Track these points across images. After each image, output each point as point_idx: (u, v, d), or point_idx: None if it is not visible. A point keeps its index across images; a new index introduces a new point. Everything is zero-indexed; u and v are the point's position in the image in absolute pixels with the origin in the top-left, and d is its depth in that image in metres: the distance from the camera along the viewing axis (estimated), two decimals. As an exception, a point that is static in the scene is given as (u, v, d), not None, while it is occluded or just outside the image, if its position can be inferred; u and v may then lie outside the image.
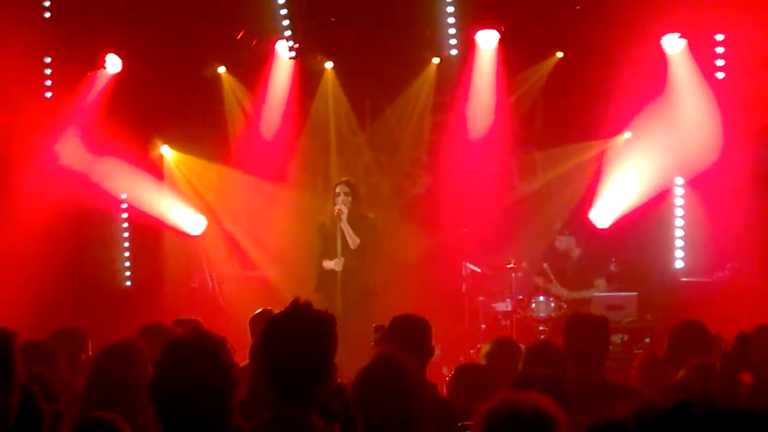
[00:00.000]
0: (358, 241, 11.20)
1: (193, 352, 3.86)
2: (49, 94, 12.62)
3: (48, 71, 12.63)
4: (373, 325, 6.12)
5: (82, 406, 4.56)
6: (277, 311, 7.73)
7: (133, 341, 4.99)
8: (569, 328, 6.08)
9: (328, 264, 11.31)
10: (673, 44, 12.08)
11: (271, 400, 3.60)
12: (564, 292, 11.52)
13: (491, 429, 3.10)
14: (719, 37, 11.99)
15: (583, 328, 6.00)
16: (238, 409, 3.96)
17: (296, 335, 3.61)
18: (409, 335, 5.65)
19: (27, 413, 3.13)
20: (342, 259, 11.26)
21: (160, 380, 3.82)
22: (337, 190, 11.37)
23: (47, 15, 12.38)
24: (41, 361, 5.84)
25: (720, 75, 12.00)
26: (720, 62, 12.01)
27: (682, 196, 12.48)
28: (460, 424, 4.39)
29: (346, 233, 11.19)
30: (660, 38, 12.06)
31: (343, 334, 3.75)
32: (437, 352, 10.13)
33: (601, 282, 11.62)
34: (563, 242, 11.92)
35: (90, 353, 7.62)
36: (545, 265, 11.80)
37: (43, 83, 12.58)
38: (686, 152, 11.93)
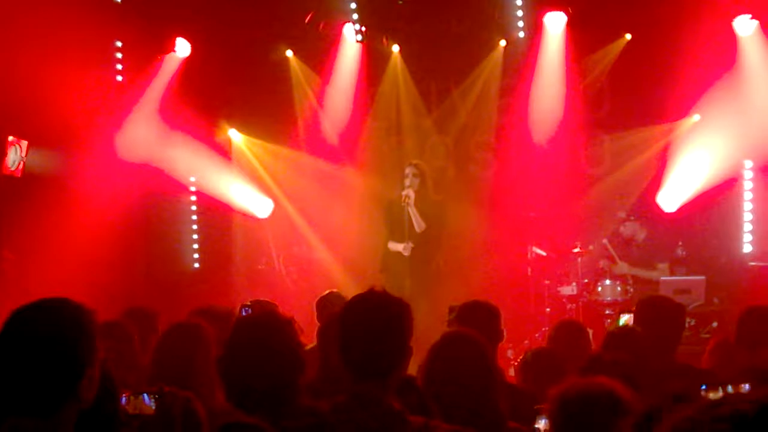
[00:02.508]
0: (424, 225, 11.22)
1: (262, 330, 3.96)
2: (120, 78, 12.77)
3: (119, 55, 12.78)
4: (449, 306, 6.15)
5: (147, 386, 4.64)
6: (343, 293, 7.83)
7: (197, 322, 5.05)
8: (644, 310, 6.06)
9: (396, 247, 11.34)
10: (745, 25, 11.90)
11: (348, 381, 3.64)
12: (624, 266, 11.45)
13: (564, 411, 3.16)
14: (793, 19, 11.81)
15: (659, 311, 5.97)
16: (307, 390, 4.03)
17: (374, 317, 3.65)
18: (478, 319, 5.67)
19: (103, 391, 3.19)
20: (411, 244, 11.30)
21: (230, 358, 3.90)
22: (406, 171, 11.39)
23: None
24: (114, 340, 5.94)
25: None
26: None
27: (751, 180, 12.32)
28: (535, 407, 4.43)
29: (413, 217, 11.21)
30: (731, 19, 11.89)
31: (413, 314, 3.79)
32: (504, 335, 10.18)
33: (663, 266, 11.53)
34: (628, 228, 11.85)
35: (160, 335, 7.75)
36: (605, 241, 11.71)
37: (114, 67, 12.72)
38: (756, 135, 11.76)
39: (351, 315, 3.73)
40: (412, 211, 11.20)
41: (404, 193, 11.19)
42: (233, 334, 4.07)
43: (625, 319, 6.96)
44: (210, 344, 4.67)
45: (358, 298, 3.77)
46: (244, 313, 6.57)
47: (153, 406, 3.43)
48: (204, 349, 4.67)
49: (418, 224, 11.23)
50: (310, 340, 6.13)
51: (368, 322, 3.65)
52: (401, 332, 3.66)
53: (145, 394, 3.43)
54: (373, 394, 3.56)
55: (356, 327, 3.67)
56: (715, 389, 3.59)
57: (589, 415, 3.13)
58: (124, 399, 3.40)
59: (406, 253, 11.26)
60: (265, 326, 4.03)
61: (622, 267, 11.49)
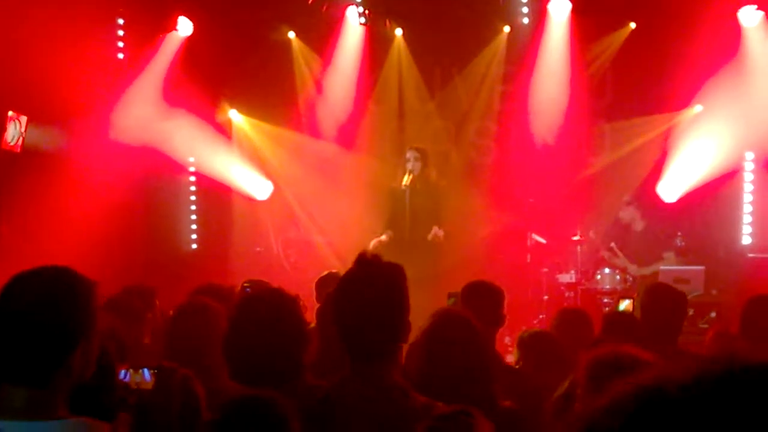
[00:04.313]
0: (442, 233, 11.25)
1: (267, 308, 3.92)
2: (121, 56, 12.72)
3: (121, 32, 12.73)
4: (448, 292, 6.11)
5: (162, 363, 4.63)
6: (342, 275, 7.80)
7: (205, 301, 5.03)
8: (648, 297, 6.04)
9: (376, 242, 11.30)
10: (750, 16, 11.88)
11: (348, 359, 3.58)
12: (633, 269, 11.43)
13: (595, 372, 3.18)
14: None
15: (662, 299, 5.96)
16: (309, 369, 4.00)
17: (368, 292, 3.53)
18: (481, 301, 5.65)
19: (101, 366, 3.16)
20: (390, 231, 11.35)
21: (234, 336, 3.88)
22: (408, 155, 11.38)
23: (121, -23, 12.51)
24: (118, 315, 5.92)
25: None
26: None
27: (752, 171, 12.30)
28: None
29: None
30: (736, 10, 11.87)
31: (411, 301, 3.70)
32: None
33: (670, 255, 11.50)
34: (627, 213, 11.80)
35: (157, 312, 7.72)
36: (612, 244, 11.69)
37: (116, 44, 12.68)
38: (758, 127, 11.74)
39: (344, 291, 3.62)
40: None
41: (406, 177, 11.19)
42: (239, 311, 4.05)
43: (625, 304, 6.94)
44: (221, 323, 4.66)
45: (351, 274, 3.64)
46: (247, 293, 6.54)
47: (152, 381, 3.40)
48: (217, 328, 4.66)
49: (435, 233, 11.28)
50: (310, 320, 6.11)
51: (362, 297, 3.53)
52: (398, 304, 3.55)
53: (145, 369, 3.41)
54: (372, 371, 3.51)
55: (351, 303, 3.56)
56: None
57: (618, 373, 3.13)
58: (124, 373, 3.38)
59: (385, 238, 11.27)
60: (272, 303, 4.01)
61: (631, 269, 11.44)
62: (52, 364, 2.74)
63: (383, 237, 11.41)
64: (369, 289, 3.54)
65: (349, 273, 3.65)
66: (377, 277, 3.57)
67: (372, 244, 11.31)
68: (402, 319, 3.56)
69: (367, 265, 3.59)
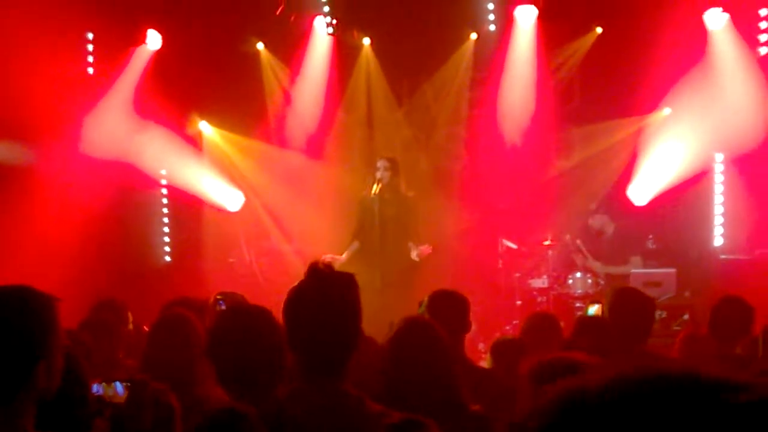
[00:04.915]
0: (430, 250, 11.32)
1: (245, 318, 3.97)
2: (90, 70, 12.70)
3: (90, 47, 12.71)
4: (419, 301, 6.14)
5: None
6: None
7: (182, 313, 5.05)
8: (615, 301, 6.09)
9: (340, 258, 11.32)
10: (716, 19, 11.96)
11: (301, 370, 3.57)
12: (598, 266, 11.50)
13: (535, 377, 3.22)
14: (763, 11, 11.88)
15: (630, 303, 6.00)
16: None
17: (320, 302, 3.49)
18: (446, 309, 5.68)
19: (72, 380, 3.18)
20: (357, 243, 11.51)
21: (217, 345, 3.91)
22: (378, 165, 11.41)
23: (89, -10, 12.48)
24: (92, 333, 5.94)
25: (763, 51, 11.90)
26: (763, 37, 11.91)
27: (722, 173, 12.39)
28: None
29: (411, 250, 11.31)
30: (702, 13, 11.95)
31: (381, 308, 3.72)
32: (473, 327, 10.19)
33: (636, 259, 11.57)
34: (597, 220, 11.88)
35: (130, 326, 7.72)
36: (578, 242, 11.76)
37: (85, 59, 12.66)
38: (726, 128, 11.81)
39: (293, 304, 3.57)
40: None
41: (376, 184, 11.23)
42: (219, 322, 4.09)
43: (595, 309, 6.99)
44: (199, 334, 4.68)
45: (300, 285, 3.58)
46: (220, 305, 6.56)
47: (124, 394, 3.42)
48: (194, 339, 4.68)
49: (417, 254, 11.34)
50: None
51: (314, 314, 3.49)
52: (351, 317, 3.53)
53: (118, 383, 3.42)
54: (325, 383, 3.51)
55: (302, 319, 3.53)
56: None
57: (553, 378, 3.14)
58: (96, 387, 3.40)
59: (344, 257, 11.31)
60: (249, 312, 4.07)
61: (595, 266, 11.52)
62: (15, 382, 2.76)
63: (352, 247, 11.46)
64: (320, 300, 3.50)
65: (301, 284, 3.61)
66: (328, 287, 3.53)
67: (344, 255, 11.36)
68: (354, 329, 3.55)
69: (318, 275, 3.56)
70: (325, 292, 3.52)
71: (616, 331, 5.78)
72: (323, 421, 3.43)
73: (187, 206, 13.22)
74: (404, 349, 4.27)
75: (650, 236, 11.91)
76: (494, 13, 12.91)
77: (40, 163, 11.85)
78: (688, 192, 12.21)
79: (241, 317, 4.04)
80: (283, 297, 7.96)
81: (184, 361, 4.57)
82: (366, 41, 13.17)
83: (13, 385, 2.75)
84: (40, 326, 2.82)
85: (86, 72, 12.66)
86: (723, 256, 12.05)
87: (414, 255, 11.30)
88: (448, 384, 4.22)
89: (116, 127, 12.42)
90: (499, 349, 6.02)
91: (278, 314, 4.17)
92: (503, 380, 5.28)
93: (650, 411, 1.09)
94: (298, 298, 3.58)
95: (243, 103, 13.05)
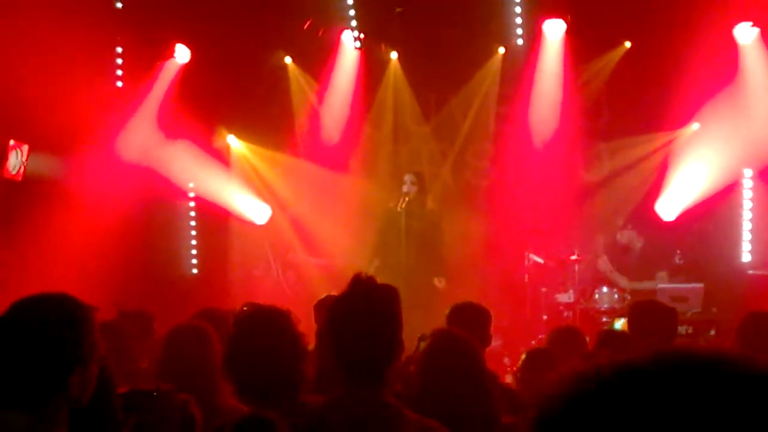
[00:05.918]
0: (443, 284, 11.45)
1: (263, 322, 3.99)
2: (120, 84, 12.80)
3: (119, 61, 12.81)
4: (418, 336, 6.08)
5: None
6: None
7: (198, 324, 5.08)
8: (635, 312, 6.07)
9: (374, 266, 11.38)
10: (746, 33, 11.90)
11: (341, 380, 3.60)
12: (624, 281, 11.44)
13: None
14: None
15: (651, 315, 5.98)
16: (307, 390, 4.05)
17: (364, 312, 3.55)
18: (467, 322, 5.68)
19: (102, 390, 3.20)
20: (377, 261, 11.54)
21: (234, 353, 3.93)
22: (405, 179, 11.44)
23: (119, 5, 12.58)
24: (109, 340, 5.94)
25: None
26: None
27: (750, 189, 12.32)
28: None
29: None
30: (732, 27, 11.89)
31: (407, 323, 3.72)
32: (498, 342, 10.17)
33: (662, 275, 11.50)
34: (624, 236, 11.83)
35: (156, 337, 7.75)
36: (605, 258, 11.71)
37: (115, 72, 12.76)
38: (755, 143, 11.75)
39: (338, 313, 3.63)
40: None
41: (401, 200, 11.24)
42: (235, 330, 4.11)
43: (621, 323, 6.97)
44: (214, 344, 4.69)
45: (345, 295, 3.64)
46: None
47: (150, 405, 3.44)
48: (209, 349, 4.70)
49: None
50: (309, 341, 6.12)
51: (355, 319, 3.55)
52: (393, 327, 3.57)
53: (143, 393, 3.44)
54: (366, 393, 3.54)
55: (344, 325, 3.58)
56: None
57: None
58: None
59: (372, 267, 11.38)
60: (265, 317, 4.10)
61: (622, 282, 11.47)
62: (50, 388, 2.77)
63: (373, 265, 11.48)
64: (364, 309, 3.55)
65: (345, 293, 3.66)
66: (372, 297, 3.59)
67: (372, 270, 11.37)
68: (396, 340, 3.58)
69: (362, 285, 3.62)
70: (371, 303, 3.56)
71: (637, 342, 5.76)
72: (362, 431, 3.46)
73: (215, 219, 13.28)
74: (438, 360, 4.29)
75: (678, 251, 11.84)
76: (522, 28, 12.89)
77: (71, 176, 11.94)
78: (716, 207, 12.14)
79: (256, 322, 4.09)
80: (309, 310, 7.99)
81: (198, 370, 4.59)
82: (393, 55, 13.19)
83: (48, 391, 2.77)
84: (77, 334, 2.84)
85: (116, 86, 12.76)
86: (751, 272, 11.97)
87: (436, 281, 11.36)
88: (481, 395, 4.23)
89: (145, 140, 12.52)
90: (531, 359, 6.00)
91: (303, 325, 4.19)
92: (525, 396, 5.27)
93: (648, 396, 1.10)
94: (343, 307, 3.62)
95: (270, 116, 13.11)
